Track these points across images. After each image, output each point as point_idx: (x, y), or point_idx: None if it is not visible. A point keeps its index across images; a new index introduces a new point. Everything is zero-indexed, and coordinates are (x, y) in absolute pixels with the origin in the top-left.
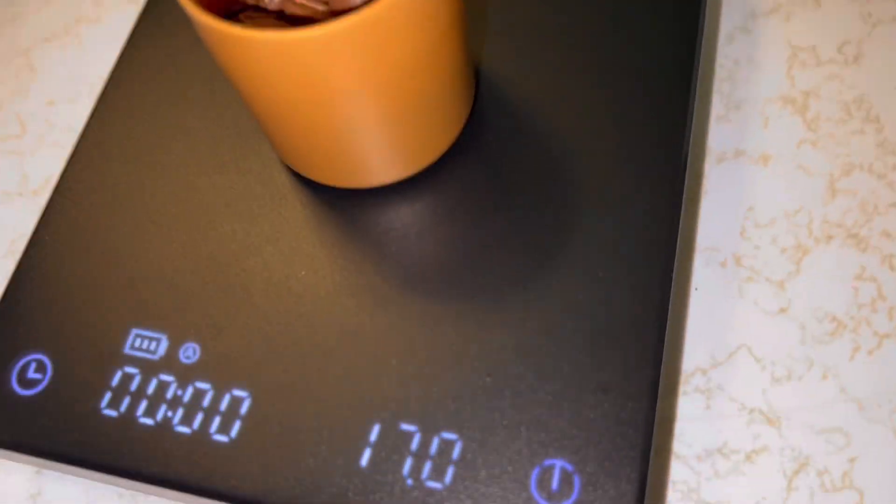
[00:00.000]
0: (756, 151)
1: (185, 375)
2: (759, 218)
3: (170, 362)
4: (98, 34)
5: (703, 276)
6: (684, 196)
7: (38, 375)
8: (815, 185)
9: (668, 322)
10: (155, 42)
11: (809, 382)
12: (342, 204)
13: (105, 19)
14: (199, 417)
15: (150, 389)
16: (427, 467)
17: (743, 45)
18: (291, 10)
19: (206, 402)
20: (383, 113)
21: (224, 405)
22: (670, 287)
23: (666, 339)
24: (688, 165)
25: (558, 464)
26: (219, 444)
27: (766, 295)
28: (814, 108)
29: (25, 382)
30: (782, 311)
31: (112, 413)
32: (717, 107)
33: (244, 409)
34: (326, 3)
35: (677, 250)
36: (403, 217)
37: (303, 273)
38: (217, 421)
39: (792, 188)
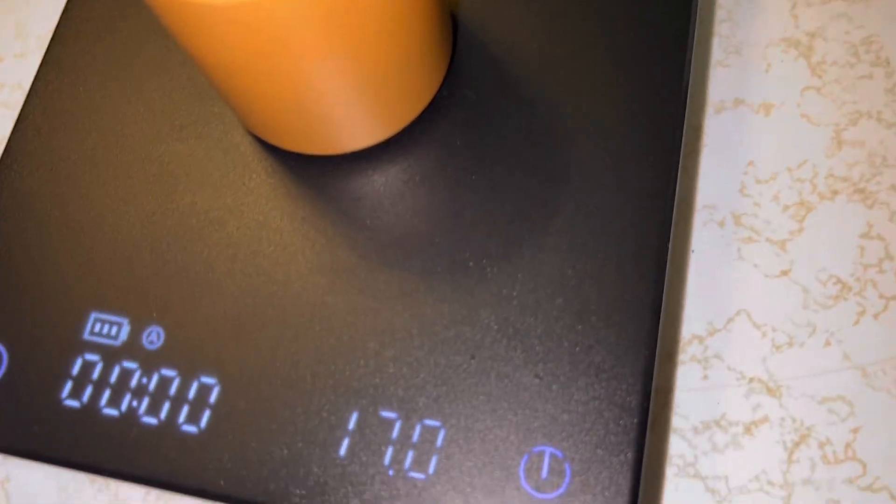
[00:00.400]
0: (757, 100)
1: (150, 362)
2: (760, 173)
3: (133, 348)
4: None
5: (700, 237)
6: (682, 152)
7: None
8: (819, 136)
9: (665, 293)
10: None
11: (812, 349)
12: (311, 172)
13: None
14: (165, 407)
15: (113, 378)
16: (409, 457)
17: None
18: None
19: (172, 390)
20: (352, 76)
21: (192, 393)
22: (666, 257)
23: (662, 312)
24: (685, 117)
25: (548, 451)
26: (188, 435)
27: (766, 256)
28: (819, 50)
29: None
30: (784, 273)
31: (74, 404)
32: (716, 51)
33: (213, 397)
34: None
35: (674, 213)
36: (378, 185)
37: (270, 249)
38: (185, 411)
39: (795, 140)
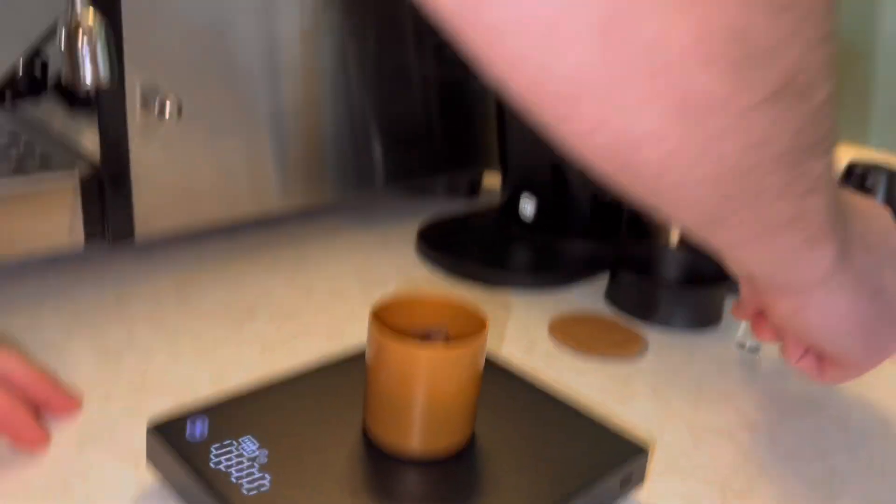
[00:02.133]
0: None
1: (256, 465)
2: None
3: (254, 457)
4: None
5: None
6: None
7: (201, 432)
8: None
9: None
10: None
11: None
12: (392, 464)
13: None
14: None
15: (234, 460)
16: None
17: None
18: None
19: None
20: (440, 406)
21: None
22: None
23: None
24: None
25: None
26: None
27: None
28: None
29: (195, 434)
30: None
31: (214, 465)
32: None
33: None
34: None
35: None
36: (428, 484)
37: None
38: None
39: None
